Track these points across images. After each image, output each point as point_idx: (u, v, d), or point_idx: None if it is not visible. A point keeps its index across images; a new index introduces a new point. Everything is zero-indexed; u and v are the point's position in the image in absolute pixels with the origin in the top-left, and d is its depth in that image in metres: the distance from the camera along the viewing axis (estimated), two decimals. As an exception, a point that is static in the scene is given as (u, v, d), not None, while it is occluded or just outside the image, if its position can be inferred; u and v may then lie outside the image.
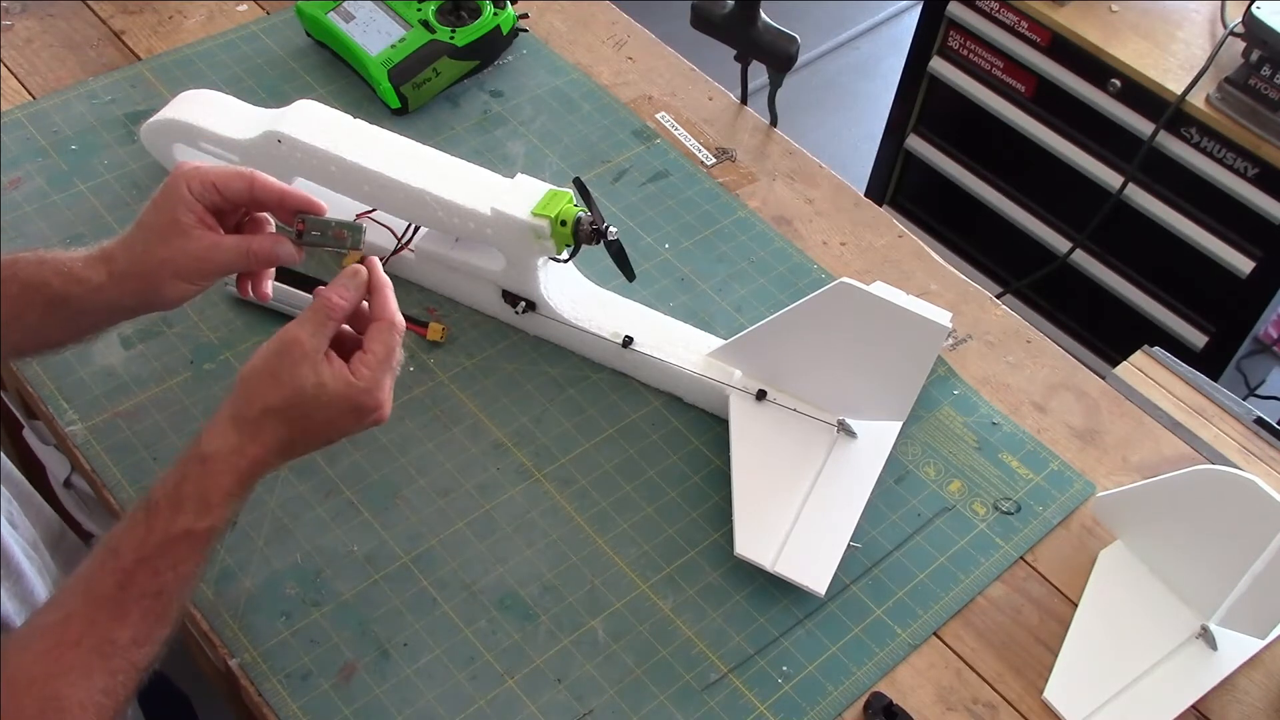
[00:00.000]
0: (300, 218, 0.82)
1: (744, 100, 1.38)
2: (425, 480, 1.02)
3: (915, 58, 2.09)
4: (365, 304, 0.82)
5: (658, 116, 1.35)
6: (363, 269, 0.80)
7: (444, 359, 1.11)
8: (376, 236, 1.13)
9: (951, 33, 1.99)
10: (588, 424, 1.08)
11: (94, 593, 0.72)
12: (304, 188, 0.93)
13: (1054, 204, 2.02)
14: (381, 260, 1.12)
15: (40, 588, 0.90)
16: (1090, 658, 0.97)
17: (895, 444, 1.07)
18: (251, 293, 0.89)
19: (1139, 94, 1.75)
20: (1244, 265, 1.76)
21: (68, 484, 1.24)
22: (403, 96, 1.28)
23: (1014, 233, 2.08)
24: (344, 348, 0.80)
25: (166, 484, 0.75)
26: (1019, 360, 1.18)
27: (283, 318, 1.10)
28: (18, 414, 1.27)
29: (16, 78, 1.30)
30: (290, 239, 0.83)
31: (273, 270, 0.90)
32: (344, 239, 0.82)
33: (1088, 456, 1.11)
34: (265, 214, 0.86)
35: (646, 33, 1.46)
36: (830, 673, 0.94)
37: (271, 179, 0.82)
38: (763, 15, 1.27)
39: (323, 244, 0.82)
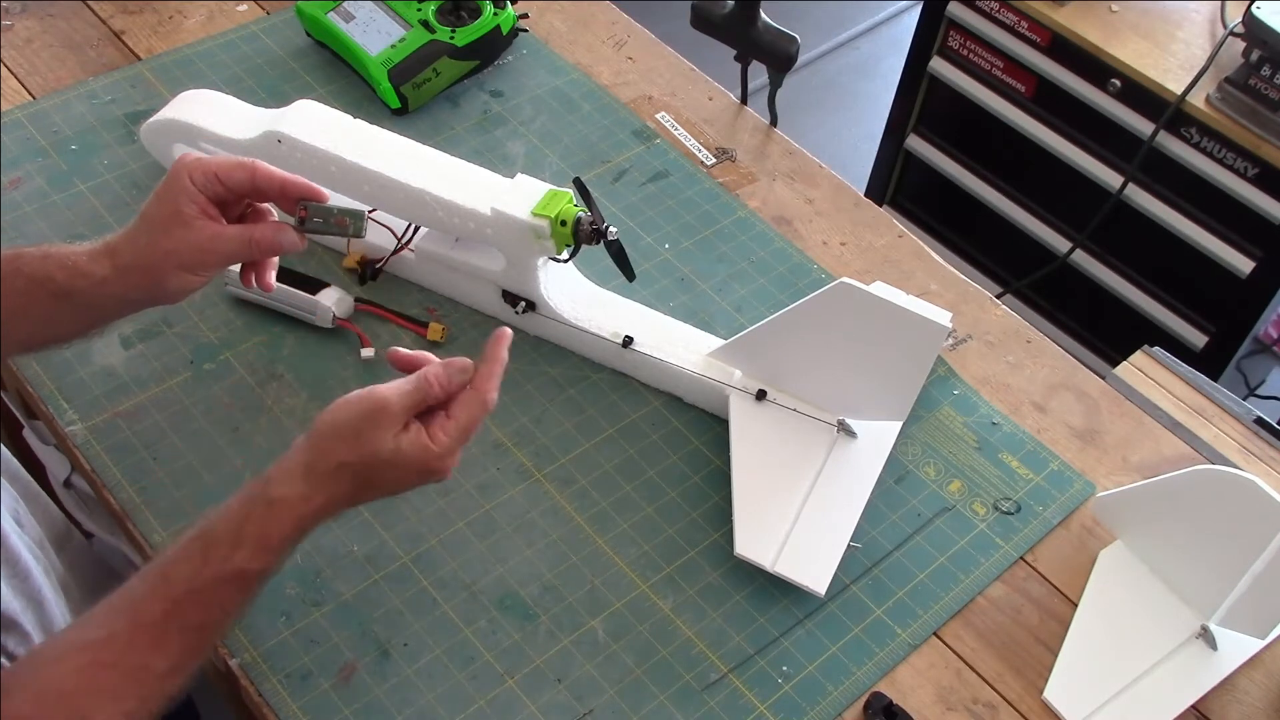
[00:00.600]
0: (302, 205, 0.82)
1: (744, 100, 1.38)
2: (425, 480, 1.02)
3: (915, 58, 2.09)
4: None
5: (658, 116, 1.35)
6: (470, 363, 0.80)
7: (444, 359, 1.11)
8: (376, 236, 1.13)
9: (951, 33, 1.99)
10: (588, 424, 1.08)
11: (139, 617, 0.72)
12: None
13: (1054, 204, 2.02)
14: (381, 260, 1.13)
15: (46, 587, 0.90)
16: (1090, 658, 0.97)
17: (895, 444, 1.07)
18: (255, 284, 0.89)
19: (1139, 94, 1.75)
20: (1244, 265, 1.76)
21: (68, 484, 1.24)
22: (403, 96, 1.28)
23: (1014, 233, 2.08)
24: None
25: (229, 519, 0.75)
26: (1019, 360, 1.18)
27: (283, 317, 1.10)
28: (18, 414, 1.28)
29: (16, 78, 1.30)
30: (292, 227, 0.83)
31: (276, 261, 0.89)
32: (346, 226, 0.82)
33: (1088, 456, 1.11)
34: (267, 204, 0.86)
35: (646, 33, 1.46)
36: (830, 673, 0.94)
37: (273, 168, 0.82)
38: (763, 15, 1.27)
39: (325, 231, 0.82)
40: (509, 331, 0.81)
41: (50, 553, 0.98)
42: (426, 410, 0.79)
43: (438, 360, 0.80)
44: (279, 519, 0.75)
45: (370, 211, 1.11)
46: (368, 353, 1.09)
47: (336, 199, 0.86)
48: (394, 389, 0.77)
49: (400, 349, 0.82)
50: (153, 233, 0.81)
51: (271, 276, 0.89)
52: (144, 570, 0.74)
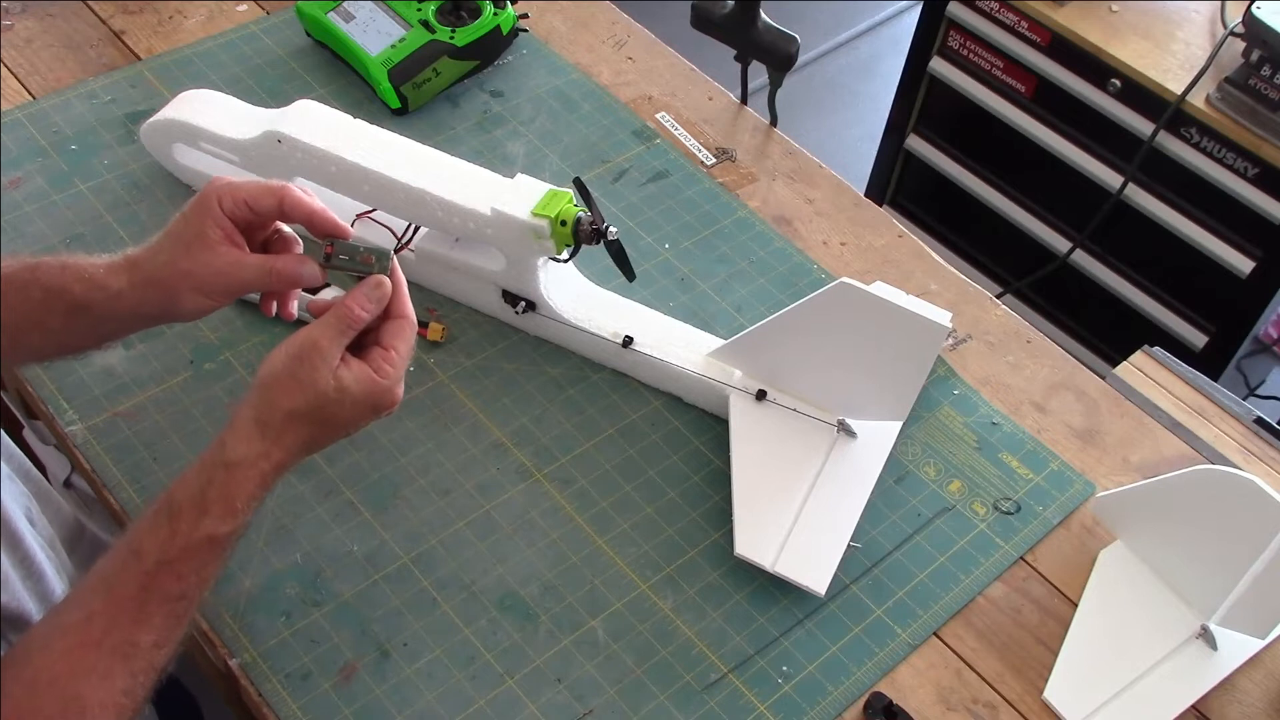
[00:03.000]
0: (329, 242, 0.83)
1: (744, 100, 1.38)
2: (425, 480, 1.02)
3: (915, 58, 2.09)
4: None
5: (658, 116, 1.35)
6: (386, 281, 0.81)
7: (444, 359, 1.11)
8: (376, 236, 1.13)
9: (951, 33, 1.99)
10: (588, 424, 1.08)
11: (116, 594, 0.73)
12: (304, 188, 0.93)
13: (1054, 204, 2.02)
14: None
15: (59, 587, 0.90)
16: (1090, 658, 0.97)
17: (895, 444, 1.07)
18: (276, 312, 0.89)
19: (1139, 94, 1.75)
20: (1244, 265, 1.76)
21: (68, 484, 1.24)
22: (403, 96, 1.28)
23: (1014, 233, 2.08)
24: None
25: (189, 487, 0.75)
26: (1019, 360, 1.18)
27: (284, 323, 1.10)
28: (18, 414, 1.27)
29: (16, 78, 1.30)
30: (317, 261, 0.84)
31: (298, 290, 0.90)
32: (370, 264, 0.82)
33: (1088, 456, 1.11)
34: (293, 233, 0.86)
35: (646, 33, 1.46)
36: (830, 673, 0.94)
37: (302, 197, 0.82)
38: (763, 15, 1.27)
39: (350, 268, 0.83)
40: (387, 273, 0.82)
41: (62, 552, 0.98)
42: (361, 347, 0.81)
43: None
44: (241, 480, 0.75)
45: (370, 212, 1.11)
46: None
47: (337, 207, 0.86)
48: (318, 325, 0.79)
49: (320, 299, 0.83)
50: (174, 251, 0.81)
51: (294, 306, 0.90)
52: (113, 548, 0.74)
